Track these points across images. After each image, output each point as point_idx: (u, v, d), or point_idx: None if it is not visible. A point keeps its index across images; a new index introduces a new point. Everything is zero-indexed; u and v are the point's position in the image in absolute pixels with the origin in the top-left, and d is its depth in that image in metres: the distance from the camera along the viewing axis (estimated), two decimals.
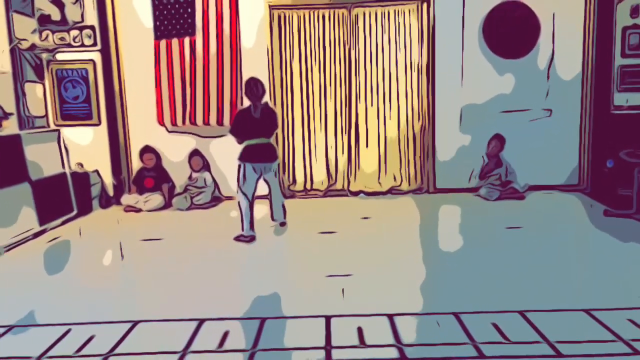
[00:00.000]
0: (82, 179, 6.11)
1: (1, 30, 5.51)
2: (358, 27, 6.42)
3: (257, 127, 4.77)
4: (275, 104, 6.41)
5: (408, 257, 4.22)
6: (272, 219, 5.17)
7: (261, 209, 5.23)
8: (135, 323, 3.06)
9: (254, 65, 6.28)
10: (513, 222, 5.11)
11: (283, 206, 5.14)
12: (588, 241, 4.63)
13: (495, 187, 6.21)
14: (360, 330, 2.89)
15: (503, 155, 6.34)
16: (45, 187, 5.46)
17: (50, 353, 2.77)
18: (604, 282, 3.55)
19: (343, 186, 6.68)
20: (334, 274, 3.83)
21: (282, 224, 5.17)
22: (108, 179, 6.50)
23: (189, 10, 6.28)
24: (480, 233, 4.90)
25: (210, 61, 6.34)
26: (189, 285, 3.75)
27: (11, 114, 5.58)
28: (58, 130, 6.05)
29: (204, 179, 6.35)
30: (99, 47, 6.27)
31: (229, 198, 6.46)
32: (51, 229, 5.43)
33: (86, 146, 6.37)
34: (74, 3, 6.12)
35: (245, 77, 6.23)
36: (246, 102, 6.06)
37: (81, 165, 6.26)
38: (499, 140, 6.31)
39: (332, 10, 6.41)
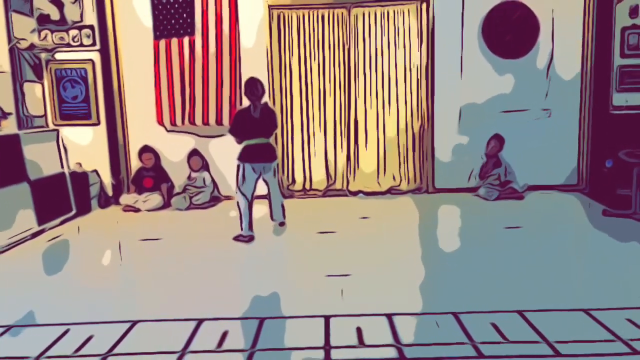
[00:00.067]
0: (81, 178, 6.11)
1: (0, 29, 5.50)
2: (357, 27, 6.42)
3: (256, 127, 4.76)
4: (274, 103, 6.41)
5: (407, 257, 4.22)
6: (272, 219, 5.17)
7: (260, 209, 5.22)
8: (134, 323, 3.06)
9: (253, 65, 6.28)
10: (512, 222, 5.11)
11: (282, 206, 5.14)
12: (587, 241, 4.63)
13: (495, 187, 6.21)
14: (359, 330, 2.88)
15: (502, 155, 6.34)
16: (44, 186, 5.45)
17: (48, 353, 2.77)
18: (602, 282, 3.55)
19: (342, 186, 6.68)
20: (333, 273, 3.83)
21: (281, 224, 5.17)
22: (107, 179, 6.50)
23: (188, 10, 6.28)
24: (479, 233, 4.90)
25: (210, 61, 6.34)
26: (188, 285, 3.75)
27: (10, 113, 5.57)
28: (57, 130, 6.04)
29: (203, 179, 6.35)
30: (98, 46, 6.27)
31: (228, 198, 6.46)
32: (50, 228, 5.43)
33: (85, 146, 6.36)
34: (73, 3, 6.11)
35: (244, 77, 6.23)
36: (245, 102, 6.07)
37: (80, 165, 6.25)
38: (498, 140, 6.32)
39: (331, 10, 6.41)
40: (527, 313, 2.99)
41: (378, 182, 6.63)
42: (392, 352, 2.64)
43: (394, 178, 6.63)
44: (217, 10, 6.26)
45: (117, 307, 3.37)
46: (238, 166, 4.77)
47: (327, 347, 2.71)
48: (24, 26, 5.79)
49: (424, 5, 6.31)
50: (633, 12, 5.75)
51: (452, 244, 4.59)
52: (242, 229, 4.75)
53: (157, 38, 6.34)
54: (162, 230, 5.36)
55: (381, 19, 6.40)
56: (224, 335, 2.88)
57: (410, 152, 6.60)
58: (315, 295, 3.48)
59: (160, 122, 6.50)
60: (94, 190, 6.29)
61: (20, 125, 5.71)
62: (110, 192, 6.51)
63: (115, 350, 2.76)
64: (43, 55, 6.18)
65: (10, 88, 5.63)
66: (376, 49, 6.44)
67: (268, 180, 4.95)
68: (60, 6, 6.08)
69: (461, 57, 6.35)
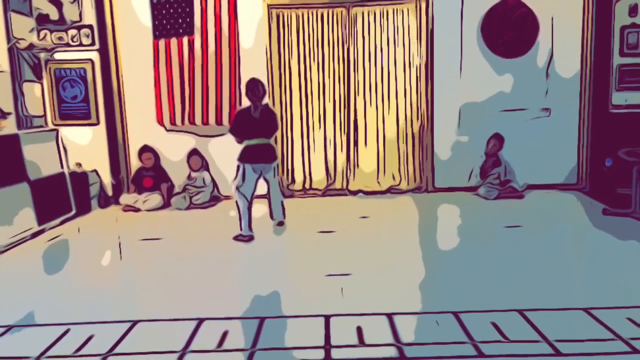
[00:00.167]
0: (80, 178, 6.10)
1: None
2: (357, 26, 6.42)
3: (256, 127, 4.77)
4: (274, 103, 6.41)
5: (407, 256, 4.22)
6: (272, 218, 5.17)
7: (260, 209, 5.22)
8: (134, 323, 3.06)
9: (253, 65, 6.28)
10: (512, 221, 5.11)
11: (282, 205, 5.14)
12: (587, 240, 4.64)
13: (494, 186, 6.22)
14: (359, 329, 2.89)
15: (502, 154, 6.34)
16: (44, 186, 5.45)
17: (49, 353, 2.77)
18: (603, 281, 3.55)
19: (342, 185, 6.68)
20: (333, 273, 3.83)
21: (281, 223, 5.17)
22: (107, 179, 6.49)
23: (188, 9, 6.28)
24: (479, 232, 4.90)
25: (209, 61, 6.33)
26: (188, 285, 3.75)
27: (9, 113, 5.57)
28: (56, 130, 6.03)
29: (203, 179, 6.35)
30: (97, 46, 6.26)
31: (228, 197, 6.45)
32: (50, 228, 5.42)
33: (85, 146, 6.35)
34: (72, 2, 6.11)
35: (244, 77, 6.26)
36: (245, 102, 6.07)
37: (80, 164, 6.25)
38: (497, 139, 6.32)
39: (330, 10, 6.40)
40: (527, 312, 3.00)
41: (378, 182, 6.63)
42: (392, 352, 2.64)
43: (393, 177, 6.63)
44: (216, 10, 6.25)
45: (118, 307, 3.37)
46: (238, 166, 4.76)
47: (327, 347, 2.71)
48: (23, 26, 5.78)
49: (423, 4, 6.30)
50: (632, 11, 5.75)
51: (452, 243, 4.59)
52: (241, 229, 4.75)
53: (156, 38, 6.33)
54: (162, 230, 5.36)
55: (380, 18, 6.40)
56: (224, 334, 2.88)
57: (410, 151, 6.60)
58: (316, 294, 3.48)
59: (160, 121, 6.50)
60: (93, 190, 6.28)
61: (19, 125, 5.71)
62: (110, 192, 6.50)
63: (116, 350, 2.76)
64: (42, 55, 6.18)
65: (9, 88, 5.62)
66: (375, 48, 6.44)
67: (268, 179, 4.95)
68: (59, 6, 6.07)
69: (461, 56, 6.35)
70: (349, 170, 6.67)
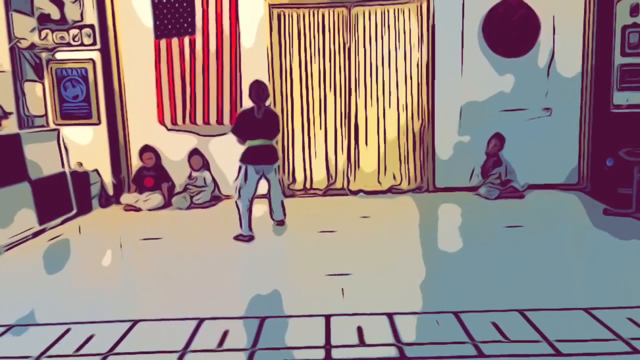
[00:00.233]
0: (81, 178, 6.11)
1: (1, 29, 5.50)
2: (358, 26, 6.42)
3: (259, 129, 4.77)
4: (274, 102, 6.41)
5: (408, 256, 4.22)
6: (272, 218, 5.17)
7: (260, 208, 5.22)
8: (134, 322, 3.06)
9: (254, 64, 6.29)
10: (513, 221, 5.11)
11: (282, 204, 5.14)
12: (587, 240, 4.63)
13: (495, 186, 6.21)
14: (360, 329, 2.89)
15: (503, 154, 6.34)
16: (45, 186, 5.46)
17: (49, 352, 2.77)
18: (603, 281, 3.55)
19: (343, 185, 6.67)
20: (333, 273, 3.83)
21: (282, 223, 5.17)
22: (108, 178, 6.50)
23: (189, 9, 6.28)
24: (479, 232, 4.90)
25: (210, 60, 6.34)
26: (189, 285, 3.75)
27: (11, 113, 5.57)
28: (58, 130, 6.04)
29: (204, 178, 6.35)
30: (98, 46, 6.26)
31: (229, 197, 6.46)
32: (51, 228, 5.43)
33: (86, 145, 6.36)
34: (74, 2, 6.11)
35: (245, 76, 6.29)
36: (245, 102, 6.08)
37: (81, 164, 6.25)
38: (498, 139, 6.31)
39: (332, 9, 6.40)
40: (527, 312, 2.99)
41: (379, 181, 6.63)
42: (392, 352, 2.64)
43: (394, 177, 6.63)
44: (217, 9, 6.26)
45: (118, 307, 3.37)
46: (240, 167, 4.76)
47: (327, 347, 2.71)
48: (24, 25, 5.79)
49: (425, 4, 6.30)
50: (634, 11, 5.74)
51: (452, 243, 4.59)
52: (242, 229, 4.75)
53: (157, 37, 6.34)
54: (162, 230, 5.37)
55: (382, 18, 6.40)
56: (225, 334, 2.89)
57: (410, 151, 6.60)
58: (316, 294, 3.48)
59: (161, 121, 6.50)
60: (94, 190, 6.29)
61: (21, 125, 5.71)
62: (111, 192, 6.51)
63: (116, 350, 2.76)
64: (44, 55, 6.18)
65: (11, 87, 5.63)
66: (377, 48, 6.44)
67: (269, 178, 4.96)
68: (60, 5, 6.07)
69: (462, 55, 6.35)
70: (349, 170, 6.67)
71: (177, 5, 6.28)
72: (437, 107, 6.44)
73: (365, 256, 4.25)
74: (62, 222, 5.64)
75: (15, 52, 5.70)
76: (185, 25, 6.30)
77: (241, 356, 2.66)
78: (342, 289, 3.52)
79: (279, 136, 6.40)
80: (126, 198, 6.28)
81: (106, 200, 6.43)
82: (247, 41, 6.38)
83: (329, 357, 2.62)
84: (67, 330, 3.00)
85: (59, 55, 6.26)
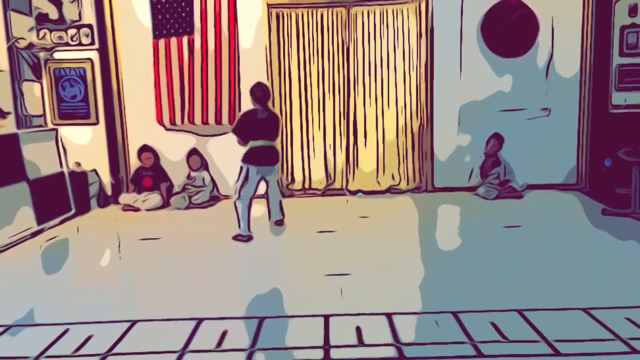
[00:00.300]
0: (80, 178, 6.10)
1: None
2: (357, 26, 6.42)
3: (262, 129, 4.78)
4: (273, 103, 6.40)
5: (406, 256, 4.22)
6: (270, 218, 5.17)
7: (259, 208, 5.22)
8: (133, 322, 3.06)
9: (253, 64, 6.29)
10: (511, 221, 5.11)
11: (281, 205, 5.14)
12: (586, 240, 4.64)
13: (494, 186, 6.22)
14: (358, 329, 2.88)
15: (501, 154, 6.34)
16: (43, 186, 5.45)
17: (48, 353, 2.77)
18: (602, 281, 3.55)
19: (341, 185, 6.68)
20: (332, 273, 3.83)
21: (280, 223, 5.16)
22: (106, 178, 6.49)
23: (187, 9, 6.27)
24: (478, 232, 4.90)
25: (209, 60, 6.33)
26: (187, 285, 3.75)
27: (9, 113, 5.56)
28: (56, 130, 6.03)
29: (202, 178, 6.34)
30: (96, 46, 6.26)
31: (228, 197, 6.46)
32: (49, 228, 5.42)
33: (84, 145, 6.35)
34: (72, 2, 6.10)
35: (243, 76, 6.30)
36: (244, 102, 6.09)
37: (79, 164, 6.24)
38: (497, 139, 6.32)
39: (330, 9, 6.40)
40: (526, 312, 3.00)
41: (377, 182, 6.63)
42: (391, 352, 2.64)
43: (393, 177, 6.63)
44: (216, 9, 6.25)
45: (117, 307, 3.36)
46: (241, 168, 4.75)
47: (326, 347, 2.71)
48: (22, 25, 5.77)
49: (423, 4, 6.30)
50: (632, 11, 5.74)
51: (451, 243, 4.59)
52: (240, 229, 4.75)
53: (156, 37, 6.33)
54: (161, 230, 5.36)
55: (380, 18, 6.40)
56: (224, 334, 2.88)
57: (409, 151, 6.60)
58: (315, 294, 3.48)
59: (160, 121, 6.50)
60: (93, 190, 6.28)
61: (19, 125, 5.70)
62: (109, 192, 6.50)
63: (115, 350, 2.76)
64: (42, 55, 6.17)
65: (9, 87, 5.62)
66: (375, 48, 6.44)
67: (268, 179, 4.95)
68: (58, 5, 6.06)
69: (460, 56, 6.35)
70: (348, 170, 6.67)
71: (175, 5, 6.27)
72: (435, 107, 6.45)
73: (364, 256, 4.25)
74: (61, 222, 5.63)
75: (13, 52, 5.69)
76: (184, 25, 6.30)
77: (240, 356, 2.66)
78: (341, 289, 3.51)
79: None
80: (125, 198, 6.27)
81: (104, 200, 6.42)
82: (245, 41, 6.38)
83: (328, 357, 2.62)
84: (66, 331, 2.99)
85: (57, 55, 6.25)
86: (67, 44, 6.19)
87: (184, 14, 6.28)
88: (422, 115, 6.52)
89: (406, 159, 6.62)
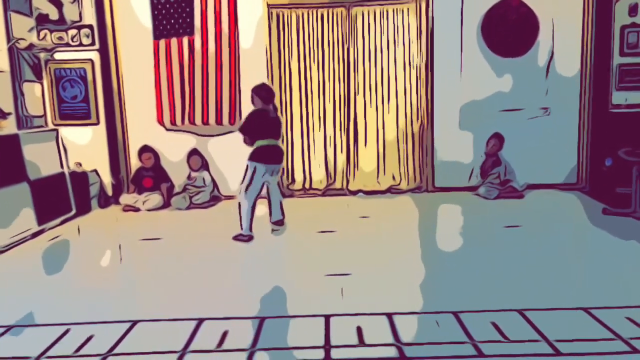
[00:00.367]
0: (80, 178, 6.10)
1: None
2: (357, 26, 6.42)
3: (271, 128, 4.81)
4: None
5: (407, 256, 4.22)
6: (271, 218, 5.17)
7: (260, 208, 5.21)
8: (134, 323, 3.06)
9: (253, 65, 6.30)
10: (512, 221, 5.11)
11: (281, 205, 5.14)
12: (587, 240, 4.64)
13: (494, 186, 6.22)
14: (359, 329, 2.89)
15: (502, 154, 6.34)
16: (44, 186, 5.45)
17: (49, 353, 2.77)
18: (602, 281, 3.55)
19: (342, 185, 6.68)
20: (333, 273, 3.83)
21: (281, 223, 5.16)
22: (107, 179, 6.49)
23: (188, 9, 6.28)
24: (479, 232, 4.90)
25: (209, 60, 6.34)
26: (188, 285, 3.75)
27: (9, 113, 5.57)
28: (56, 130, 6.03)
29: (203, 179, 6.35)
30: (97, 46, 6.26)
31: (228, 197, 6.47)
32: (50, 228, 5.42)
33: (85, 146, 6.35)
34: (72, 2, 6.10)
35: (244, 76, 6.31)
36: (245, 102, 6.09)
37: (80, 164, 6.25)
38: (498, 139, 6.32)
39: (330, 9, 6.40)
40: (527, 312, 3.00)
41: (378, 181, 6.63)
42: (392, 352, 2.64)
43: (393, 177, 6.63)
44: (216, 10, 6.26)
45: (117, 307, 3.36)
46: (247, 166, 4.74)
47: (327, 347, 2.71)
48: (23, 26, 5.78)
49: (424, 4, 6.30)
50: (632, 11, 5.74)
51: (452, 243, 4.59)
52: (242, 229, 4.74)
53: (156, 38, 6.34)
54: (162, 230, 5.36)
55: (380, 18, 6.40)
56: (224, 334, 2.88)
57: (410, 151, 6.60)
58: (316, 294, 3.48)
59: (160, 121, 6.50)
60: (93, 190, 6.28)
61: (19, 125, 5.71)
62: (110, 192, 6.50)
63: (116, 350, 2.76)
64: (42, 55, 6.17)
65: (9, 88, 5.62)
66: (375, 48, 6.44)
67: (270, 180, 4.95)
68: (59, 6, 6.06)
69: (461, 55, 6.35)
70: (349, 170, 6.67)
71: (175, 5, 6.27)
72: (436, 106, 6.45)
73: (365, 256, 4.25)
74: (61, 223, 5.63)
75: (13, 53, 5.69)
76: (184, 25, 6.30)
77: (241, 356, 2.66)
78: (342, 289, 3.52)
79: None
80: (125, 198, 6.28)
81: (105, 201, 6.43)
82: (245, 41, 6.38)
83: (329, 357, 2.62)
84: (67, 331, 3.00)
85: (58, 56, 6.25)
86: (67, 45, 6.19)
87: (184, 15, 6.29)
88: (423, 115, 6.52)
89: (406, 159, 6.62)
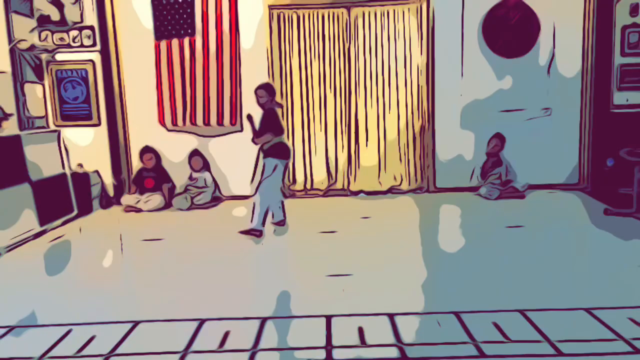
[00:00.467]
0: (82, 179, 6.11)
1: (0, 30, 5.50)
2: (357, 27, 6.42)
3: (282, 125, 4.96)
4: None
5: (408, 257, 4.22)
6: (272, 219, 5.17)
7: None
8: (136, 323, 3.06)
9: (254, 65, 6.30)
10: (513, 221, 5.11)
11: (282, 205, 5.14)
12: (588, 240, 4.63)
13: (496, 186, 6.21)
14: (361, 329, 2.89)
15: (503, 154, 6.33)
16: (46, 187, 5.46)
17: (51, 353, 2.77)
18: (604, 281, 3.54)
19: (343, 186, 6.68)
20: (334, 273, 3.83)
21: (282, 224, 5.16)
22: (108, 179, 6.50)
23: (189, 10, 6.28)
24: (480, 232, 4.90)
25: (210, 61, 6.34)
26: (190, 286, 3.75)
27: (11, 114, 5.58)
28: (58, 131, 6.04)
29: (204, 179, 6.35)
30: (98, 47, 6.27)
31: (229, 198, 6.47)
32: (51, 229, 5.43)
33: (86, 147, 6.36)
34: (74, 3, 6.12)
35: (244, 77, 6.32)
36: (246, 103, 6.11)
37: (81, 165, 6.25)
38: (499, 139, 6.31)
39: (331, 10, 6.40)
40: (528, 312, 2.99)
41: (379, 182, 6.63)
42: (393, 352, 2.64)
43: (394, 178, 6.63)
44: (217, 11, 6.26)
45: (119, 308, 3.37)
46: (267, 164, 4.78)
47: (328, 347, 2.71)
48: (24, 27, 5.79)
49: (424, 5, 6.30)
50: (633, 11, 5.74)
51: (453, 244, 4.59)
52: (253, 224, 4.73)
53: (157, 39, 6.34)
54: (163, 231, 5.36)
55: (381, 19, 6.40)
56: (226, 335, 2.89)
57: (411, 151, 6.60)
58: (317, 295, 3.48)
59: (162, 122, 6.51)
60: (95, 191, 6.29)
61: (21, 126, 5.72)
62: (111, 193, 6.51)
63: (118, 351, 2.76)
64: (43, 56, 6.18)
65: (11, 89, 5.63)
66: (376, 49, 6.44)
67: None
68: (60, 7, 6.08)
69: (462, 56, 6.35)
70: (350, 171, 6.67)
71: (177, 6, 6.28)
72: (437, 107, 6.45)
73: (366, 257, 4.24)
74: (63, 224, 5.64)
75: (15, 54, 5.70)
76: (185, 26, 6.31)
77: (243, 357, 2.66)
78: (343, 290, 3.51)
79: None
80: (127, 199, 6.28)
81: (107, 202, 6.44)
82: (246, 42, 6.38)
83: (330, 357, 2.62)
84: (69, 332, 3.00)
85: (59, 57, 6.27)
86: (68, 46, 6.21)
87: (185, 16, 6.29)
88: (424, 115, 6.51)
89: (408, 159, 6.62)
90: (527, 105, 6.36)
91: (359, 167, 6.66)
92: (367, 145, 6.60)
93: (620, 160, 5.40)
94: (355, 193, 6.61)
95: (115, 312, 3.27)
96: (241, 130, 6.34)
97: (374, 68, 6.47)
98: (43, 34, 6.07)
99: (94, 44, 6.25)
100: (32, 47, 5.91)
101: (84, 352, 2.77)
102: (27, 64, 5.93)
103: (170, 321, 3.10)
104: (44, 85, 6.24)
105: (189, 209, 6.17)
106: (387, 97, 6.51)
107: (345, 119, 6.58)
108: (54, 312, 3.33)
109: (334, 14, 6.42)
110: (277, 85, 6.46)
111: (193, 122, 6.44)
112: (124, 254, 4.73)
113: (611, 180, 5.73)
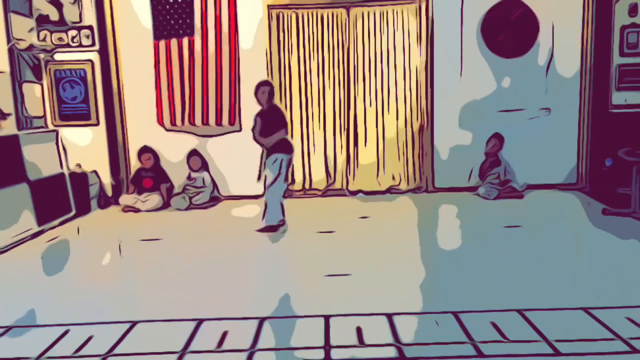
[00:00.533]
0: (80, 179, 6.10)
1: None
2: (357, 27, 6.42)
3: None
4: None
5: (407, 257, 4.22)
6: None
7: (255, 209, 5.22)
8: (134, 323, 3.06)
9: (253, 65, 6.30)
10: (512, 221, 5.11)
11: (282, 206, 5.14)
12: (587, 240, 4.63)
13: (494, 186, 6.21)
14: (359, 329, 2.88)
15: (502, 154, 6.34)
16: (44, 187, 5.45)
17: (48, 353, 2.77)
18: (602, 281, 3.55)
19: (342, 186, 6.67)
20: (332, 273, 3.83)
21: (282, 223, 5.15)
22: (106, 179, 6.49)
23: (188, 10, 6.28)
24: (479, 232, 4.90)
25: (209, 61, 6.34)
26: (188, 285, 3.75)
27: (9, 114, 5.57)
28: (56, 131, 6.03)
29: (203, 179, 6.35)
30: (97, 47, 6.26)
31: (228, 198, 6.47)
32: (49, 229, 5.42)
33: (84, 146, 6.36)
34: (72, 3, 6.11)
35: (243, 77, 6.31)
36: (245, 103, 6.12)
37: (79, 165, 6.25)
38: (498, 139, 6.32)
39: (330, 10, 6.40)
40: (526, 312, 2.99)
41: (378, 182, 6.63)
42: (392, 352, 2.64)
43: (393, 177, 6.63)
44: (216, 11, 6.26)
45: (117, 308, 3.36)
46: (277, 160, 4.83)
47: (327, 347, 2.71)
48: (23, 27, 5.78)
49: (423, 5, 6.30)
50: (632, 11, 5.75)
51: (451, 243, 4.59)
52: (265, 221, 4.84)
53: (156, 38, 6.34)
54: (162, 231, 5.36)
55: (380, 19, 6.40)
56: (224, 335, 2.88)
57: (409, 151, 6.60)
58: (315, 295, 3.48)
59: (161, 122, 6.50)
60: (93, 191, 6.28)
61: (19, 126, 5.71)
62: (109, 193, 6.50)
63: (115, 351, 2.76)
64: (42, 56, 6.18)
65: (9, 89, 5.63)
66: (375, 49, 6.44)
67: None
68: (59, 7, 6.07)
69: (461, 56, 6.35)
70: (348, 171, 6.67)
71: (176, 6, 6.28)
72: (436, 107, 6.45)
73: (365, 256, 4.24)
74: (61, 223, 5.63)
75: (13, 53, 5.69)
76: (184, 26, 6.30)
77: (241, 357, 2.66)
78: (342, 289, 3.51)
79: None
80: (125, 199, 6.28)
81: (105, 201, 6.43)
82: (245, 42, 6.38)
83: (329, 357, 2.62)
84: (66, 332, 2.99)
85: (58, 57, 6.26)
86: (67, 46, 6.20)
87: (184, 15, 6.29)
88: (422, 115, 6.52)
89: (406, 159, 6.61)
90: (526, 105, 6.36)
91: (357, 167, 6.66)
92: (365, 145, 6.60)
93: (619, 160, 5.41)
94: (354, 193, 6.61)
95: (113, 312, 3.27)
96: (240, 130, 6.34)
97: (373, 68, 6.47)
98: (42, 34, 6.06)
99: (93, 44, 6.25)
100: (31, 47, 5.90)
101: (81, 352, 2.76)
102: (25, 63, 5.92)
103: (168, 321, 3.10)
104: (42, 85, 6.23)
105: (187, 209, 6.17)
106: (386, 97, 6.51)
107: (344, 119, 6.58)
108: (52, 312, 3.33)
109: (333, 14, 6.41)
110: (276, 85, 6.46)
111: (192, 122, 6.44)
112: (122, 254, 4.72)
113: (609, 180, 5.73)
